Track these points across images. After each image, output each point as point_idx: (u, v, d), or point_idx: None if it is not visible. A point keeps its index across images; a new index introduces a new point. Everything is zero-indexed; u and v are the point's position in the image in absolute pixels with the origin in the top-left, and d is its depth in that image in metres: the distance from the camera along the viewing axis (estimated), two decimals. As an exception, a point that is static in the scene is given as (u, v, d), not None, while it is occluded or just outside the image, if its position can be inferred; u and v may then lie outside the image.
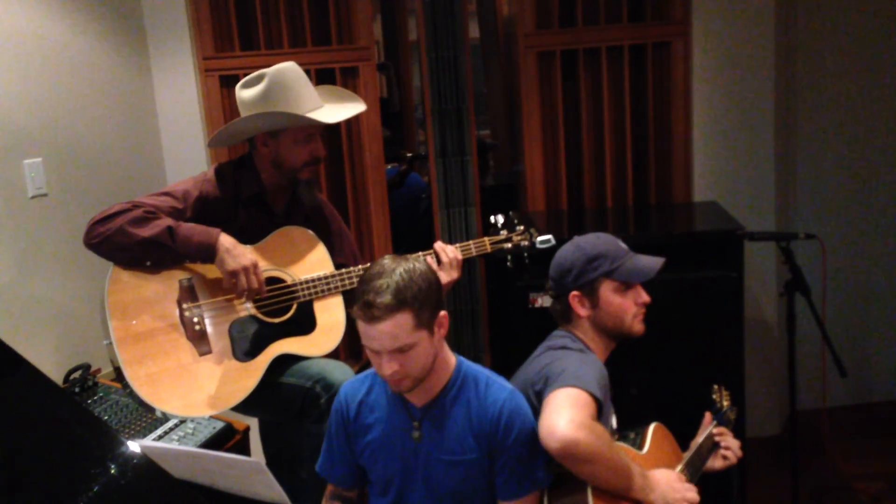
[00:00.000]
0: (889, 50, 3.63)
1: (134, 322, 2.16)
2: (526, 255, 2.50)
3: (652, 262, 2.14)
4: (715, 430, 2.27)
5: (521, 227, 2.50)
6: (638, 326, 2.16)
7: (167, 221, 2.17)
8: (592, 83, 3.51)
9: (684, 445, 2.23)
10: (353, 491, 2.05)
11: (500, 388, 1.90)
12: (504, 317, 3.68)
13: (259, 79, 2.32)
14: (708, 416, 2.32)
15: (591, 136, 3.54)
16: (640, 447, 2.05)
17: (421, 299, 1.74)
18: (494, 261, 2.55)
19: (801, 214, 3.76)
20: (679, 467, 2.10)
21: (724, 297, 2.81)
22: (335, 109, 2.42)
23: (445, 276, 2.34)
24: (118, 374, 2.17)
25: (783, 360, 3.05)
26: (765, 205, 3.46)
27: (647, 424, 2.13)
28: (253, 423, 2.64)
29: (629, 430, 2.12)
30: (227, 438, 2.49)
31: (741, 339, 2.88)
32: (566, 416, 1.77)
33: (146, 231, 2.14)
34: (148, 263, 2.20)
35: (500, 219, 2.53)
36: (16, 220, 2.61)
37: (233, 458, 1.40)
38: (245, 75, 2.40)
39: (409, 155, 4.92)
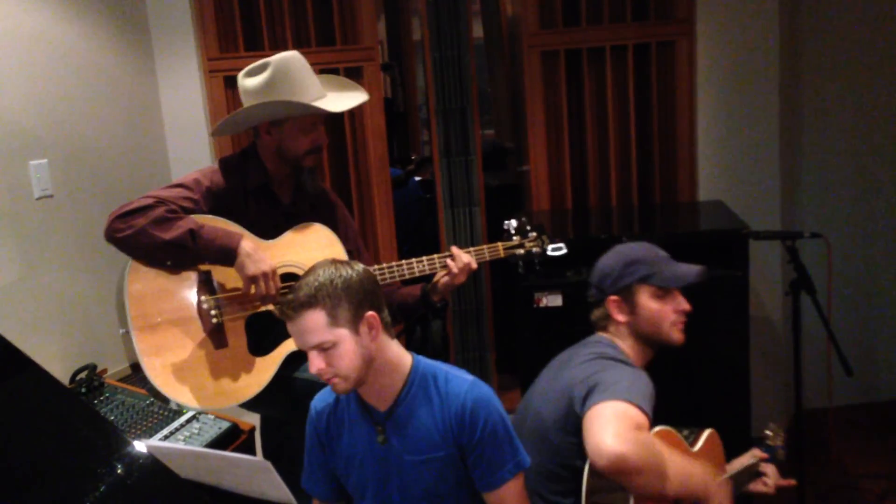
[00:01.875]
0: (895, 48, 3.62)
1: (152, 312, 2.18)
2: (537, 262, 2.51)
3: (690, 269, 2.14)
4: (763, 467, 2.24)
5: (534, 234, 2.50)
6: (676, 335, 2.14)
7: (189, 224, 2.18)
8: (596, 82, 3.50)
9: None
10: None
11: (460, 382, 1.88)
12: (509, 316, 3.68)
13: (263, 68, 2.32)
14: (756, 450, 2.28)
15: (596, 136, 3.54)
16: (692, 445, 2.05)
17: (335, 298, 1.76)
18: (500, 261, 2.55)
19: (806, 213, 3.75)
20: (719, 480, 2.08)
21: (729, 296, 2.80)
22: (338, 98, 2.43)
23: (447, 279, 2.38)
24: (133, 369, 2.18)
25: (789, 359, 3.04)
26: (770, 204, 3.45)
27: (703, 429, 2.12)
28: (258, 423, 2.64)
29: (684, 427, 2.09)
30: (232, 438, 2.49)
31: (746, 338, 2.87)
32: (611, 431, 1.76)
33: (168, 233, 2.15)
34: (168, 263, 2.22)
35: (514, 224, 2.52)
36: (22, 221, 2.62)
37: (239, 457, 1.41)
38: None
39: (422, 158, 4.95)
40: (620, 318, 2.13)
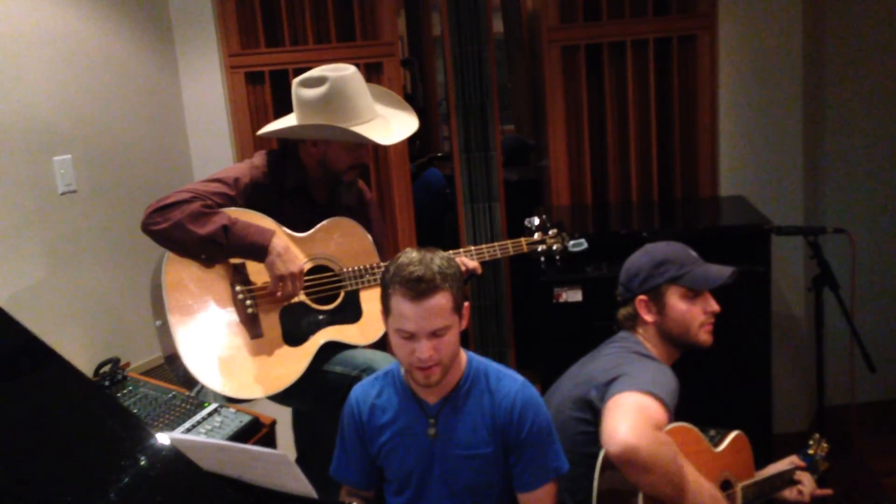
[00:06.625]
0: (920, 41, 3.57)
1: (189, 301, 2.21)
2: (558, 257, 2.54)
3: (721, 271, 2.12)
4: (798, 475, 2.21)
5: (555, 231, 2.55)
6: (704, 337, 2.13)
7: (223, 219, 2.21)
8: (617, 77, 3.49)
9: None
10: (369, 491, 2.06)
11: (511, 381, 1.92)
12: (528, 312, 3.68)
13: (320, 82, 2.33)
14: (794, 457, 2.26)
15: (616, 131, 3.53)
16: (716, 446, 2.02)
17: (457, 282, 1.81)
18: (519, 256, 2.57)
19: (829, 208, 3.71)
20: (745, 482, 2.06)
21: (751, 291, 2.79)
22: (390, 122, 2.45)
23: None
24: (167, 360, 2.20)
25: (811, 356, 3.01)
26: (792, 199, 3.42)
27: (731, 430, 2.09)
28: (280, 417, 2.65)
29: (711, 427, 2.07)
30: (253, 432, 2.50)
31: (768, 333, 2.85)
32: (629, 422, 1.75)
33: (202, 229, 2.18)
34: (203, 257, 2.25)
35: (535, 221, 2.57)
36: (46, 216, 2.65)
37: (259, 450, 1.41)
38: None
39: (439, 155, 4.95)
40: (648, 317, 2.12)
